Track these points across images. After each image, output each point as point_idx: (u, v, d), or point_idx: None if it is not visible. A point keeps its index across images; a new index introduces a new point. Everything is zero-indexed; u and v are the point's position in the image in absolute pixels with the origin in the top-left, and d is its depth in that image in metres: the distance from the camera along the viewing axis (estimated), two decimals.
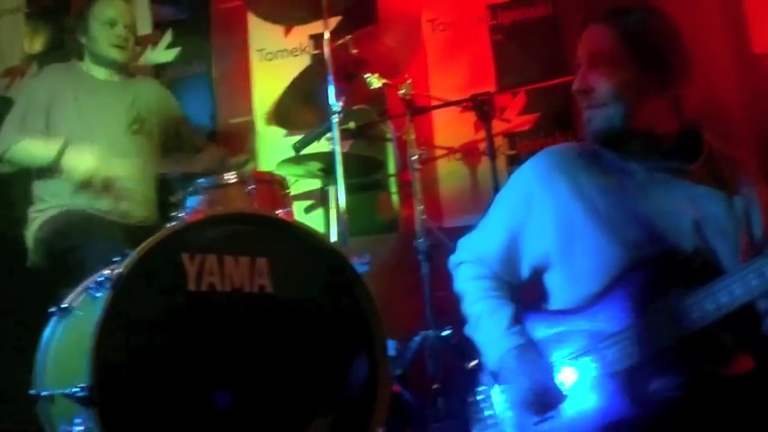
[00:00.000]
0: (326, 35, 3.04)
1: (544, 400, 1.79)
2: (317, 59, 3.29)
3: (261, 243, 2.14)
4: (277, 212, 2.31)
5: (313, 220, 3.66)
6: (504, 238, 1.98)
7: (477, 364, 1.99)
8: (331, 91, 2.98)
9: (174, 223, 2.11)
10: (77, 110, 3.10)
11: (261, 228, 2.17)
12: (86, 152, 2.91)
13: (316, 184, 3.68)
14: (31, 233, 2.98)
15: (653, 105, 1.86)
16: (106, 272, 1.89)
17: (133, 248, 2.51)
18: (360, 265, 2.27)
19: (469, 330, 2.00)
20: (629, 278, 1.77)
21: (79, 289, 2.18)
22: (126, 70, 3.32)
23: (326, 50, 3.02)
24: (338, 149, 2.94)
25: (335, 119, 2.96)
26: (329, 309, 2.21)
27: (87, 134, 3.06)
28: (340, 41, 3.19)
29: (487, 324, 1.93)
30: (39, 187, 3.07)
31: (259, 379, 2.06)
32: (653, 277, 1.75)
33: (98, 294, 1.87)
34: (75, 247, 2.72)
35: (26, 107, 3.08)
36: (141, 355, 1.87)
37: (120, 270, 1.86)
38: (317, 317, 2.19)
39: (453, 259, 2.13)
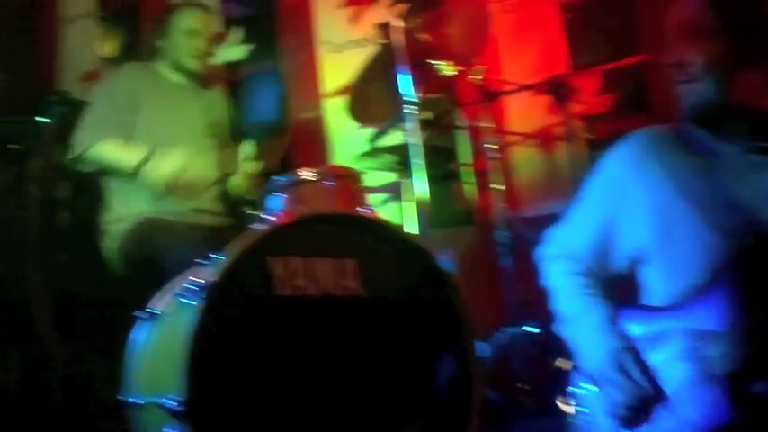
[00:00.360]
0: (398, 23, 3.02)
1: (639, 412, 1.73)
2: (387, 48, 3.27)
3: (348, 244, 2.14)
4: (362, 210, 2.29)
5: (388, 214, 3.65)
6: (597, 231, 1.92)
7: (568, 363, 1.95)
8: (405, 81, 2.96)
9: (259, 225, 2.11)
10: (157, 110, 3.13)
11: (348, 228, 2.16)
12: (169, 158, 2.89)
13: (389, 176, 3.68)
14: (111, 244, 3.01)
15: (748, 80, 1.77)
16: (195, 278, 1.90)
17: (214, 251, 2.56)
18: (446, 262, 2.25)
19: (562, 329, 1.96)
20: (731, 271, 1.69)
21: (166, 293, 2.21)
22: (199, 79, 3.32)
23: (399, 38, 3.00)
24: (416, 141, 2.93)
25: (413, 109, 2.94)
26: (418, 309, 2.19)
27: (168, 133, 3.09)
28: (407, 26, 3.16)
29: (582, 324, 1.88)
30: (113, 194, 3.11)
31: (351, 384, 2.06)
32: (755, 270, 1.67)
33: (189, 301, 1.89)
34: (160, 256, 2.73)
35: (106, 106, 3.08)
36: (233, 365, 1.89)
37: (212, 277, 1.88)
38: (405, 318, 2.17)
39: (542, 253, 2.07)
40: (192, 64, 3.23)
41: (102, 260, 3.05)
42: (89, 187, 3.24)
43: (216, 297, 1.85)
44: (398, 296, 2.19)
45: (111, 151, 2.98)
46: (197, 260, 2.23)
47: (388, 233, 2.22)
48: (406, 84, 2.99)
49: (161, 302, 2.22)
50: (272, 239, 2.01)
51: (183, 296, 1.91)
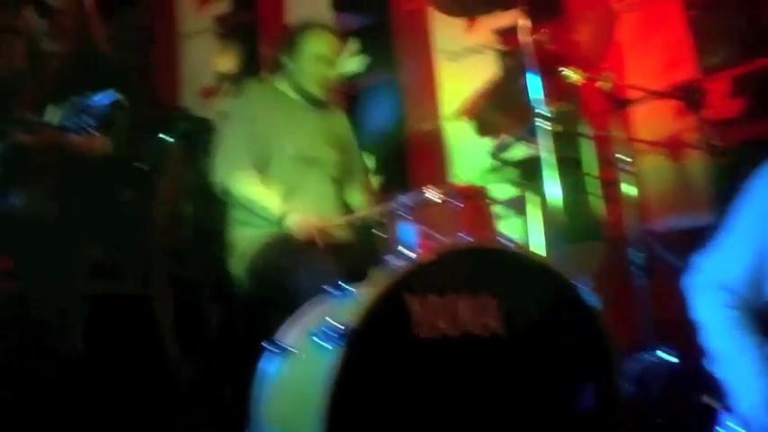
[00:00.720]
0: (525, 28, 2.83)
1: None
2: (515, 57, 3.11)
3: (487, 278, 1.97)
4: (502, 242, 2.13)
5: (511, 229, 3.47)
6: (752, 258, 1.70)
7: (718, 402, 1.76)
8: (534, 91, 2.78)
9: (395, 260, 1.97)
10: (278, 123, 3.04)
11: (487, 261, 2.00)
12: (305, 219, 2.83)
13: (511, 190, 3.50)
14: (240, 260, 2.93)
15: None
16: (332, 321, 1.77)
17: (342, 273, 2.44)
18: (590, 295, 2.07)
19: (712, 366, 1.77)
20: None
21: (296, 326, 2.09)
22: (320, 104, 3.20)
23: (526, 44, 2.82)
24: (547, 154, 2.76)
25: (544, 123, 2.76)
26: (561, 348, 2.01)
27: (293, 147, 3.01)
28: (536, 36, 2.97)
29: (736, 364, 1.68)
30: (240, 211, 3.01)
31: (491, 425, 1.90)
32: None
33: (325, 344, 1.76)
34: (288, 274, 2.64)
35: (238, 135, 3.01)
36: (371, 410, 1.75)
37: (351, 323, 1.75)
38: (548, 357, 1.99)
39: (690, 282, 1.88)
40: (316, 91, 3.10)
41: (227, 277, 2.99)
42: (213, 204, 3.19)
43: (354, 343, 1.72)
44: (540, 332, 2.01)
45: (251, 191, 2.92)
46: (327, 288, 2.16)
47: (529, 265, 2.05)
48: (534, 94, 2.81)
49: (291, 336, 2.09)
50: (409, 277, 1.86)
51: (319, 338, 1.79)
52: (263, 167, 2.98)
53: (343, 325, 1.75)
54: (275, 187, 2.95)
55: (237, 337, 3.04)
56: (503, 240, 2.12)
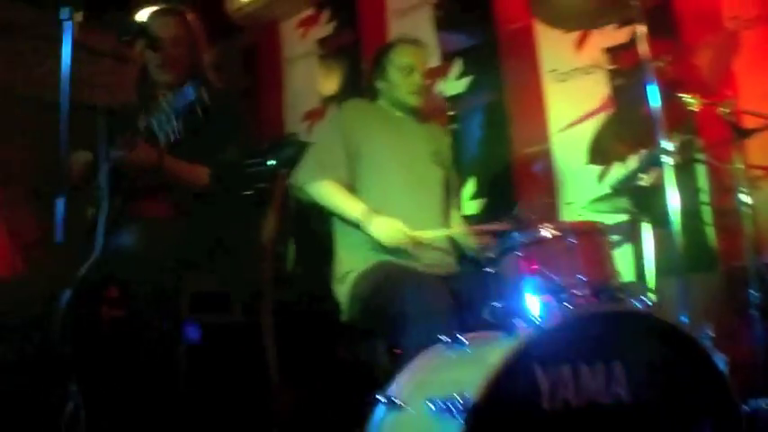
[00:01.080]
0: (643, 45, 2.58)
1: None
2: (627, 76, 2.83)
3: (616, 343, 1.76)
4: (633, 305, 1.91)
5: (621, 257, 3.22)
6: None
7: None
8: (654, 110, 2.56)
9: (520, 324, 1.78)
10: (382, 140, 2.96)
11: (616, 325, 1.78)
12: (391, 223, 2.72)
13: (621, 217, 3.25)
14: (345, 290, 2.80)
15: None
16: (454, 393, 1.60)
17: (451, 300, 2.37)
18: (721, 359, 1.84)
19: None
20: None
21: (413, 385, 1.91)
22: (420, 115, 3.13)
23: (645, 59, 2.57)
24: (666, 186, 2.52)
25: (665, 154, 2.53)
26: (686, 410, 1.79)
27: (389, 159, 2.92)
28: (659, 62, 2.71)
29: None
30: (342, 243, 2.92)
31: None
32: None
33: (443, 414, 1.60)
34: (392, 302, 2.50)
35: (328, 145, 2.95)
36: None
37: (473, 397, 1.58)
38: (673, 421, 1.78)
39: None
40: (412, 100, 3.05)
41: (332, 304, 2.87)
42: (319, 230, 3.07)
43: (478, 418, 1.55)
44: (665, 396, 1.79)
45: (332, 195, 2.85)
46: (441, 338, 2.00)
47: (657, 327, 1.82)
48: (655, 112, 2.57)
49: (405, 392, 1.91)
50: (537, 345, 1.67)
51: (440, 407, 1.62)
52: (355, 177, 2.91)
53: (464, 398, 1.58)
54: (372, 197, 2.85)
55: (341, 366, 2.92)
56: (631, 300, 1.90)
